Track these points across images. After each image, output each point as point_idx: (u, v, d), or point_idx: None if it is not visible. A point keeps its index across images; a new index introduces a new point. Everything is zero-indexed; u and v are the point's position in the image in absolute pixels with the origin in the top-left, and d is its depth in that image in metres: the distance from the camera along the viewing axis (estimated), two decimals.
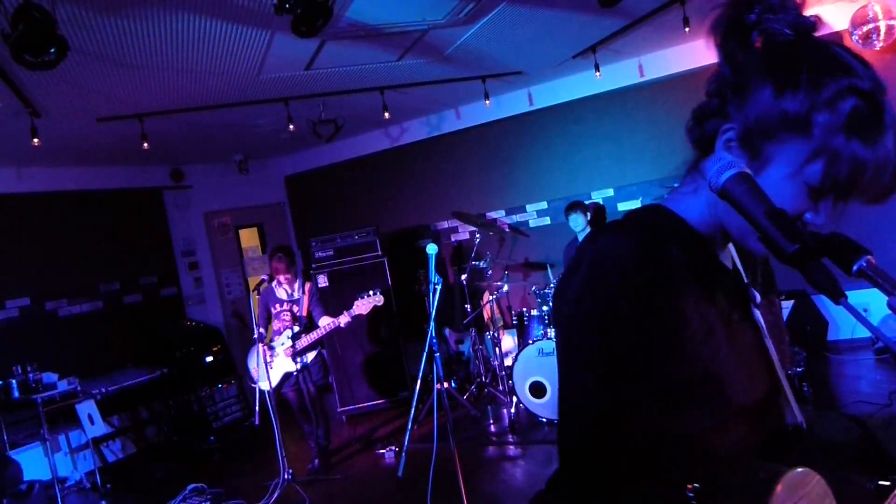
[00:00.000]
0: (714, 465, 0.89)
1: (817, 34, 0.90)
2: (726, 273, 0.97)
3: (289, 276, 4.84)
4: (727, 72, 0.92)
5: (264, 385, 4.60)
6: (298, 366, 4.79)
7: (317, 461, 4.93)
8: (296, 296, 4.95)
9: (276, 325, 4.92)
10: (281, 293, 4.93)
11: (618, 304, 0.84)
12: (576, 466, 0.86)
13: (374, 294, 4.71)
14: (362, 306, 4.66)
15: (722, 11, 0.95)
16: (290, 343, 4.78)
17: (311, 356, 4.86)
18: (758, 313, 0.99)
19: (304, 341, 4.75)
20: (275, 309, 4.92)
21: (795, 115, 0.85)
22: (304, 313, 4.86)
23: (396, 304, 6.55)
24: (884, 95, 0.85)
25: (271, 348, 4.82)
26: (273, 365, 4.78)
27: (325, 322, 4.75)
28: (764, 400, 0.94)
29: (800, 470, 0.86)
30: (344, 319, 4.66)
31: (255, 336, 4.62)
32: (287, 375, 4.83)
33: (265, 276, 4.74)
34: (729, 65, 0.92)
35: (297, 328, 4.80)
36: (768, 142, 0.87)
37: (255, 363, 4.75)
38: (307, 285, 4.99)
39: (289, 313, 4.89)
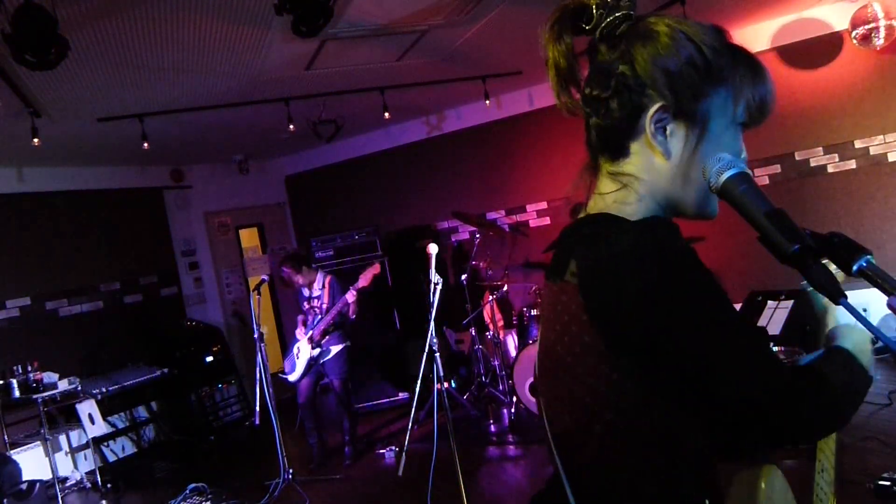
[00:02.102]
0: None
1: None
2: None
3: (300, 277, 5.11)
4: (599, 69, 1.01)
5: (293, 377, 5.04)
6: (316, 351, 4.97)
7: (348, 450, 5.08)
8: (316, 293, 5.15)
9: (309, 319, 5.18)
10: (306, 292, 5.19)
11: (692, 275, 0.88)
12: (783, 413, 0.88)
13: (372, 265, 4.96)
14: (363, 279, 4.87)
15: (557, 22, 1.01)
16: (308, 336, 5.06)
17: (335, 349, 5.01)
18: None
19: (321, 325, 4.97)
20: (304, 306, 5.19)
21: (705, 66, 0.94)
22: (326, 305, 5.05)
23: (396, 304, 6.55)
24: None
25: (313, 343, 5.03)
26: (299, 355, 5.05)
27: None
28: None
29: None
30: (350, 295, 4.88)
31: (255, 336, 4.65)
32: (310, 363, 5.00)
33: (265, 276, 4.81)
34: (597, 65, 1.01)
35: (319, 317, 5.05)
36: (698, 102, 0.95)
37: (294, 352, 5.10)
38: (328, 279, 5.16)
39: (318, 308, 5.12)
